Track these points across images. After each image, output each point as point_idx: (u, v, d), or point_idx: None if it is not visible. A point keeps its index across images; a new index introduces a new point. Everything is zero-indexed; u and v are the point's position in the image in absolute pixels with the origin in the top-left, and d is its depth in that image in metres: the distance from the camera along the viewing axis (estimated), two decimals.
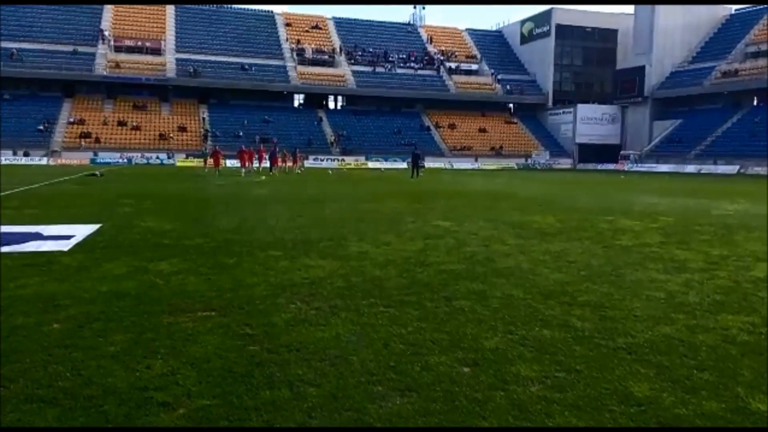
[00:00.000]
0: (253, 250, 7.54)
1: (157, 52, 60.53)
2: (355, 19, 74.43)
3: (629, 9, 65.07)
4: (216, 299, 5.04)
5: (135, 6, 66.44)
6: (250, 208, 13.28)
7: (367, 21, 74.82)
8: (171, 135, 53.88)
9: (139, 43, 60.26)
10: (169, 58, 60.08)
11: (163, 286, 5.50)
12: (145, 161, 50.28)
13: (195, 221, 10.66)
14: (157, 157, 51.21)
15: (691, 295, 5.41)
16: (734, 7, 65.99)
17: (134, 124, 54.64)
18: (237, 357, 3.65)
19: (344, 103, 67.15)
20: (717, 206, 15.44)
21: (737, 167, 47.48)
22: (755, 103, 56.78)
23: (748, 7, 64.07)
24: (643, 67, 61.78)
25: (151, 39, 61.43)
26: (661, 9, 60.77)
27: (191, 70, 58.45)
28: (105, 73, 56.08)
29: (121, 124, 54.32)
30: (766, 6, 61.98)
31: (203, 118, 57.06)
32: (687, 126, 58.51)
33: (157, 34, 62.57)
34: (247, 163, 31.29)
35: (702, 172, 47.97)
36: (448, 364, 3.58)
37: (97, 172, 28.64)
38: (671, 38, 61.54)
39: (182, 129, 55.58)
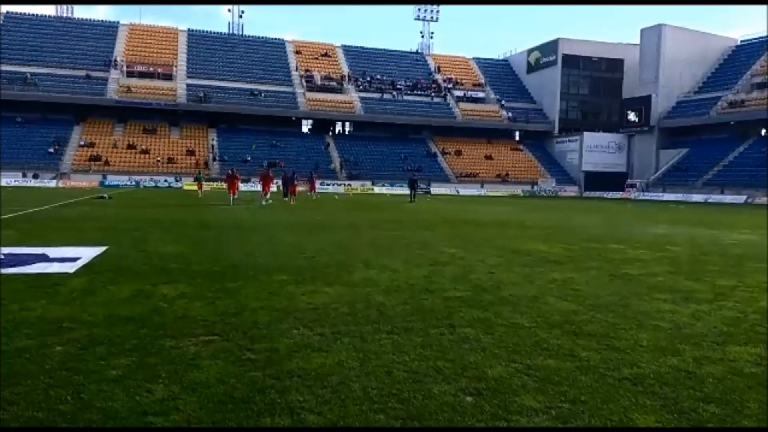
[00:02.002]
0: (259, 275, 7.54)
1: (168, 77, 61.52)
2: (363, 48, 75.54)
3: (635, 39, 65.79)
4: (219, 324, 5.03)
5: (148, 32, 67.85)
6: (257, 234, 13.32)
7: (375, 49, 75.89)
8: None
9: (151, 69, 61.30)
10: (180, 84, 61.01)
11: (167, 310, 5.50)
12: (153, 184, 50.70)
13: (201, 246, 10.69)
14: (165, 180, 51.63)
15: (698, 326, 5.35)
16: (740, 37, 66.60)
17: (143, 147, 55.24)
18: (238, 382, 3.63)
19: (352, 129, 67.77)
20: (725, 236, 15.35)
21: (745, 197, 47.31)
22: (762, 133, 56.84)
23: (754, 39, 64.59)
24: (649, 97, 62.14)
25: (162, 65, 62.49)
26: (668, 39, 61.36)
27: (201, 95, 59.28)
28: (116, 97, 56.96)
29: (131, 147, 54.95)
30: None
31: (212, 145, 57.58)
32: (693, 155, 58.55)
33: (169, 60, 63.67)
34: (267, 189, 27.25)
35: (709, 201, 47.80)
36: (451, 393, 3.55)
37: (105, 195, 28.86)
38: (677, 68, 61.99)
39: (190, 153, 56.12)
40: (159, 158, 54.14)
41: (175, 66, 63.23)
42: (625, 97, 67.71)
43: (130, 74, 60.39)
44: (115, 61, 60.90)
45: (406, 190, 49.97)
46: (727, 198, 48.08)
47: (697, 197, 50.12)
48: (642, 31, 64.09)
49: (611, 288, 7.25)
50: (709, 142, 58.46)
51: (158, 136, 58.07)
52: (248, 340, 4.54)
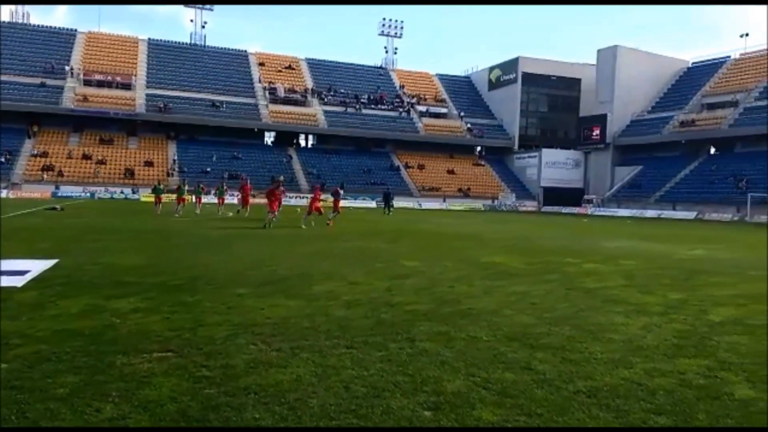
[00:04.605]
0: (218, 288, 7.41)
1: (127, 86, 60.29)
2: (327, 61, 75.68)
3: (592, 59, 67.83)
4: (174, 339, 4.91)
5: (107, 40, 66.49)
6: (217, 246, 13.10)
7: (339, 63, 76.14)
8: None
9: (109, 78, 59.98)
10: (139, 93, 59.85)
11: (120, 325, 5.34)
12: (108, 196, 49.35)
13: (159, 258, 10.45)
14: (122, 192, 50.34)
15: (649, 339, 5.49)
16: (691, 59, 69.51)
17: (99, 158, 53.82)
18: (192, 400, 3.54)
19: (315, 142, 67.62)
20: (676, 251, 15.87)
21: (695, 213, 49.07)
22: (711, 151, 59.23)
23: (704, 61, 67.49)
24: (605, 115, 64.09)
25: (121, 74, 61.22)
26: (623, 60, 63.51)
27: (161, 106, 58.26)
28: (72, 106, 55.43)
29: (86, 157, 53.45)
30: (722, 59, 65.50)
31: (174, 160, 56.46)
32: (647, 172, 60.51)
33: (128, 69, 62.43)
34: (274, 207, 20.41)
35: (662, 216, 49.38)
36: (409, 408, 3.54)
37: (58, 206, 27.93)
38: (632, 88, 64.17)
39: (149, 164, 54.95)
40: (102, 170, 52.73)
41: (135, 75, 62.02)
42: (582, 115, 69.67)
43: (87, 83, 58.94)
44: (72, 69, 59.35)
45: (369, 203, 50.60)
46: (679, 214, 49.77)
47: (650, 213, 51.72)
48: (598, 51, 66.22)
49: (568, 301, 7.40)
50: (661, 160, 60.56)
51: (115, 146, 56.69)
52: (204, 356, 4.44)
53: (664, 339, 5.49)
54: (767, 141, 51.81)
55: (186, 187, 28.07)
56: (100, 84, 59.31)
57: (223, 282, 7.91)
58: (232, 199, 35.93)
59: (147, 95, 59.85)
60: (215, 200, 30.92)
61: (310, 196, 24.62)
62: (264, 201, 22.42)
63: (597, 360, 4.72)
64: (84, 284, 7.42)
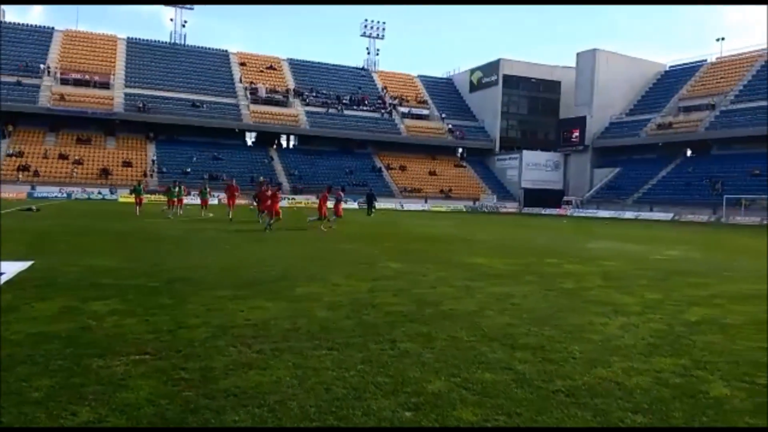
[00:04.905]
0: (198, 290, 7.34)
1: (105, 86, 59.41)
2: (309, 62, 75.45)
3: (572, 62, 68.58)
4: (152, 342, 4.85)
5: (85, 38, 65.49)
6: (198, 247, 12.98)
7: (321, 63, 75.93)
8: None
9: (87, 77, 59.05)
10: (118, 93, 59.04)
11: (96, 328, 5.26)
12: (86, 196, 48.57)
13: (138, 260, 10.32)
14: (99, 192, 49.59)
15: (627, 338, 5.57)
16: (669, 63, 70.67)
17: (76, 158, 52.98)
18: (170, 403, 3.50)
19: (297, 143, 67.34)
20: (653, 251, 16.11)
21: (672, 214, 49.86)
22: (688, 154, 60.27)
23: (681, 65, 68.65)
24: (584, 118, 64.84)
25: (99, 73, 60.34)
26: (601, 63, 64.32)
27: (140, 105, 57.55)
28: (49, 105, 54.49)
29: (63, 157, 52.58)
30: (698, 63, 66.69)
31: (153, 160, 55.74)
32: (625, 174, 61.34)
33: (107, 68, 61.55)
34: (263, 208, 21.07)
35: (639, 218, 50.08)
36: (390, 409, 3.54)
37: (33, 207, 27.41)
38: (610, 91, 65.02)
39: (127, 164, 54.24)
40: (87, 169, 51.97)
41: (113, 74, 61.16)
42: (561, 117, 70.42)
43: (64, 82, 57.94)
44: (49, 67, 58.35)
45: (351, 205, 50.72)
46: (656, 215, 50.53)
47: (628, 214, 52.42)
48: (577, 54, 67.01)
49: (547, 301, 7.47)
50: (639, 162, 61.44)
51: (93, 146, 55.83)
52: (182, 359, 4.39)
53: (642, 338, 5.57)
54: (742, 144, 52.94)
55: (177, 189, 27.00)
56: (78, 83, 58.36)
57: (203, 284, 7.83)
58: (213, 200, 35.53)
59: (126, 94, 59.06)
60: (198, 201, 29.96)
61: (317, 200, 23.48)
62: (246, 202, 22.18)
63: (576, 360, 4.77)
64: (60, 286, 7.30)
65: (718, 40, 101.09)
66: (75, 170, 51.42)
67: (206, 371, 4.12)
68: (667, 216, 49.61)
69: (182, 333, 5.17)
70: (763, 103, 53.10)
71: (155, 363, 4.28)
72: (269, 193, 20.28)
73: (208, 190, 28.57)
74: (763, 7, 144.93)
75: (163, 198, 30.03)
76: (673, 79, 67.49)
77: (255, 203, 25.17)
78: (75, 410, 3.34)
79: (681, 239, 22.76)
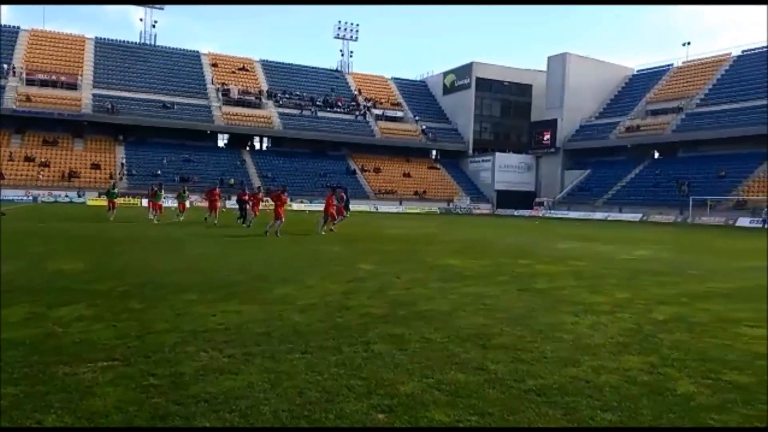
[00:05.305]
0: (167, 294, 7.22)
1: (72, 86, 58.16)
2: (282, 63, 75.03)
3: (543, 66, 69.52)
4: (120, 348, 4.75)
5: (52, 38, 64.02)
6: (167, 251, 12.78)
7: (294, 65, 75.58)
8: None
9: (54, 77, 57.72)
10: (86, 94, 57.84)
11: (63, 334, 5.13)
12: (52, 199, 47.44)
13: (106, 264, 10.11)
14: (66, 195, 48.48)
15: (597, 337, 5.66)
16: (636, 67, 72.14)
17: (43, 160, 51.72)
18: (139, 410, 3.43)
19: (270, 145, 66.84)
20: (623, 252, 16.41)
21: (640, 215, 50.88)
22: (656, 156, 61.61)
23: (648, 69, 70.17)
24: (555, 120, 65.81)
25: (66, 73, 59.04)
26: (572, 67, 65.35)
27: (109, 106, 56.48)
28: (14, 106, 53.09)
29: (29, 159, 51.27)
30: (665, 67, 68.25)
31: (122, 163, 54.65)
32: (595, 176, 62.43)
33: (74, 69, 60.25)
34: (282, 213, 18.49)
35: (609, 219, 50.98)
36: (363, 412, 3.53)
37: (2, 211, 26.61)
38: (581, 94, 66.11)
39: (95, 166, 53.15)
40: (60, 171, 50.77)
41: (81, 75, 59.90)
42: (533, 120, 71.35)
43: (30, 82, 56.52)
44: (14, 68, 56.85)
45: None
46: (625, 216, 51.48)
47: (598, 215, 53.32)
48: (548, 58, 67.98)
49: (520, 301, 7.54)
50: (608, 164, 62.58)
51: (60, 148, 54.59)
52: (152, 365, 4.32)
53: (611, 337, 5.67)
54: (708, 146, 54.32)
55: (162, 193, 26.13)
56: (44, 84, 57.01)
57: (174, 288, 7.71)
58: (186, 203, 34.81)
59: (94, 95, 57.90)
60: (175, 204, 28.96)
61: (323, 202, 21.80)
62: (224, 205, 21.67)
63: (547, 359, 4.83)
64: (25, 291, 7.11)
65: (684, 44, 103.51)
66: (41, 173, 50.19)
67: (176, 377, 4.05)
68: (635, 217, 50.59)
69: (151, 338, 5.08)
70: (728, 107, 54.62)
71: (123, 369, 4.19)
72: (284, 196, 19.32)
73: (186, 194, 27.91)
74: (722, 13, 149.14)
75: (132, 201, 29.20)
76: (640, 82, 68.99)
77: (242, 209, 24.30)
78: (40, 419, 3.25)
79: (649, 239, 23.23)
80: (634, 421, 3.52)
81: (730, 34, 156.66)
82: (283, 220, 18.30)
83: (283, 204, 18.74)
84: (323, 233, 18.55)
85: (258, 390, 3.85)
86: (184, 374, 4.12)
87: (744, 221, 43.17)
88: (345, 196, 22.62)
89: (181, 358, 4.50)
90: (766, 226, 38.81)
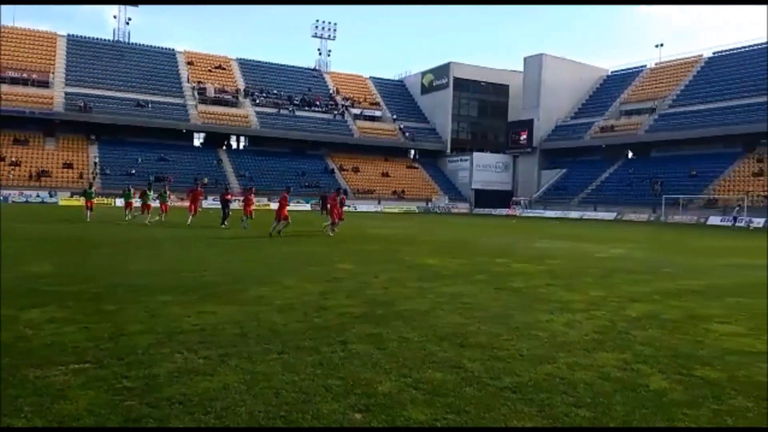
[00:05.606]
0: (140, 296, 7.11)
1: (44, 84, 56.95)
2: (259, 62, 74.45)
3: (520, 66, 70.16)
4: (92, 350, 4.67)
5: (22, 35, 62.56)
6: (141, 251, 12.59)
7: (272, 64, 75.03)
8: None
9: (25, 75, 56.45)
10: (58, 92, 56.70)
11: (33, 337, 5.02)
12: (23, 199, 46.41)
13: (79, 265, 9.92)
14: (38, 195, 47.48)
15: (572, 334, 5.73)
16: (611, 68, 73.19)
17: (13, 159, 50.56)
18: (111, 413, 3.37)
19: (247, 144, 66.29)
20: (597, 250, 16.64)
21: (615, 213, 51.68)
22: (629, 155, 62.63)
23: (622, 70, 71.27)
24: (531, 120, 66.47)
25: (38, 71, 57.78)
26: (548, 67, 66.08)
27: (81, 105, 55.44)
28: None
29: None
30: (638, 68, 69.39)
31: (95, 162, 53.64)
32: (571, 175, 63.24)
33: (46, 66, 59.02)
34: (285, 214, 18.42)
35: (584, 217, 51.67)
36: (340, 412, 3.53)
37: None
38: (557, 95, 66.89)
39: (68, 166, 52.14)
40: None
41: (53, 73, 58.69)
42: (510, 120, 71.99)
43: (0, 80, 55.22)
44: None
45: (304, 206, 50.78)
46: (600, 214, 52.25)
47: (574, 214, 54.03)
48: (525, 59, 68.62)
49: (497, 300, 7.60)
50: (584, 164, 63.45)
51: (31, 147, 53.43)
52: (125, 367, 4.25)
53: (585, 335, 5.74)
54: (680, 146, 55.38)
55: (151, 192, 25.58)
56: (15, 81, 55.68)
57: (148, 289, 7.60)
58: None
59: (66, 94, 56.78)
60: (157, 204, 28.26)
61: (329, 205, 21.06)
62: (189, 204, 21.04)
63: (523, 357, 4.87)
64: None
65: (657, 46, 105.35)
66: (11, 172, 49.06)
67: (150, 379, 4.00)
68: (610, 215, 51.36)
69: (125, 340, 5.00)
70: (700, 107, 55.75)
71: (96, 372, 4.12)
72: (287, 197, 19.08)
73: (168, 193, 27.35)
74: (694, 14, 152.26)
75: (106, 201, 28.50)
76: (615, 83, 70.06)
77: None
78: (9, 423, 3.18)
79: (623, 238, 23.60)
80: (607, 417, 3.57)
81: (703, 35, 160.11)
82: (289, 221, 18.35)
83: (286, 204, 18.76)
84: (332, 234, 18.58)
85: (234, 391, 3.82)
86: (158, 376, 4.06)
87: (715, 220, 44.12)
88: (344, 199, 22.39)
89: (155, 360, 4.43)
90: (735, 224, 39.71)
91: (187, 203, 27.18)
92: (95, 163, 53.52)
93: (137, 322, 5.67)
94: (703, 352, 5.17)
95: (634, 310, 7.16)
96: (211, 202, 42.56)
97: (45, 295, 6.92)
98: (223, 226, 21.51)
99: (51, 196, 47.82)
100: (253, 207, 22.83)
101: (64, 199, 47.13)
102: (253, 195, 23.50)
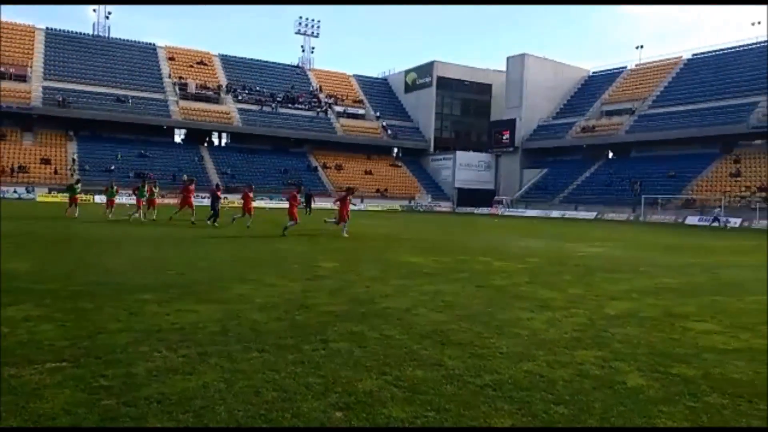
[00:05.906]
0: (120, 294, 7.03)
1: (21, 78, 55.93)
2: (242, 58, 73.89)
3: (502, 66, 70.58)
4: (69, 348, 4.60)
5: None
6: (119, 249, 12.44)
7: (254, 60, 74.51)
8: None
9: (2, 69, 55.38)
10: (35, 86, 55.73)
11: (9, 335, 4.93)
12: None
13: (57, 263, 9.77)
14: (15, 191, 46.63)
15: (551, 332, 5.78)
16: (592, 69, 73.95)
17: None
18: (88, 412, 3.33)
19: (229, 141, 65.77)
20: (578, 249, 16.82)
21: (595, 213, 52.26)
22: (610, 156, 63.36)
23: (604, 70, 72.05)
24: (514, 120, 66.91)
25: (15, 64, 56.72)
26: (530, 67, 66.57)
27: (60, 99, 54.55)
28: None
29: None
30: (619, 69, 70.19)
31: (74, 158, 52.79)
32: (552, 175, 63.80)
33: (23, 60, 57.97)
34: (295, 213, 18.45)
35: (565, 216, 52.18)
36: (320, 410, 3.52)
37: None
38: (538, 94, 67.43)
39: (46, 161, 51.28)
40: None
41: (30, 67, 57.67)
42: (493, 119, 72.40)
43: None
44: None
45: (286, 204, 50.41)
46: (581, 214, 52.80)
47: (555, 213, 54.54)
48: (508, 59, 69.03)
49: (478, 298, 7.64)
50: (565, 163, 64.06)
51: (8, 142, 52.45)
52: (102, 366, 4.19)
53: (565, 332, 5.80)
54: (659, 147, 56.15)
55: (145, 189, 25.03)
56: None
57: (127, 287, 7.51)
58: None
59: (44, 88, 55.83)
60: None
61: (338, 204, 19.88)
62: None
63: (503, 354, 4.91)
64: None
65: (637, 47, 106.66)
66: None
67: (128, 378, 3.95)
68: (590, 215, 51.92)
69: (103, 338, 4.93)
70: (679, 108, 56.57)
71: (73, 371, 4.06)
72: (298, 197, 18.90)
73: (156, 190, 26.88)
74: (673, 16, 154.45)
75: (85, 198, 28.08)
76: (595, 84, 70.79)
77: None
78: None
79: (603, 237, 23.87)
80: (586, 414, 3.61)
81: (681, 37, 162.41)
82: (298, 221, 18.41)
83: (296, 204, 18.80)
84: (346, 235, 18.41)
85: (213, 390, 3.79)
86: (136, 375, 4.02)
87: (693, 219, 44.82)
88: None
89: (133, 359, 4.38)
90: (714, 224, 40.40)
91: (178, 200, 26.62)
92: (74, 159, 52.71)
93: (116, 321, 5.60)
94: (679, 350, 5.25)
95: (613, 308, 7.25)
96: (200, 201, 42.06)
97: (21, 293, 6.80)
98: (211, 223, 21.14)
99: (28, 192, 47.02)
100: (252, 204, 22.44)
101: (41, 195, 46.38)
102: (251, 193, 23.01)
